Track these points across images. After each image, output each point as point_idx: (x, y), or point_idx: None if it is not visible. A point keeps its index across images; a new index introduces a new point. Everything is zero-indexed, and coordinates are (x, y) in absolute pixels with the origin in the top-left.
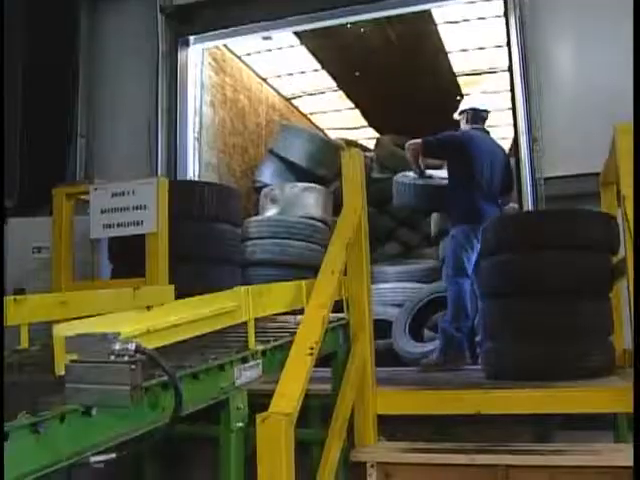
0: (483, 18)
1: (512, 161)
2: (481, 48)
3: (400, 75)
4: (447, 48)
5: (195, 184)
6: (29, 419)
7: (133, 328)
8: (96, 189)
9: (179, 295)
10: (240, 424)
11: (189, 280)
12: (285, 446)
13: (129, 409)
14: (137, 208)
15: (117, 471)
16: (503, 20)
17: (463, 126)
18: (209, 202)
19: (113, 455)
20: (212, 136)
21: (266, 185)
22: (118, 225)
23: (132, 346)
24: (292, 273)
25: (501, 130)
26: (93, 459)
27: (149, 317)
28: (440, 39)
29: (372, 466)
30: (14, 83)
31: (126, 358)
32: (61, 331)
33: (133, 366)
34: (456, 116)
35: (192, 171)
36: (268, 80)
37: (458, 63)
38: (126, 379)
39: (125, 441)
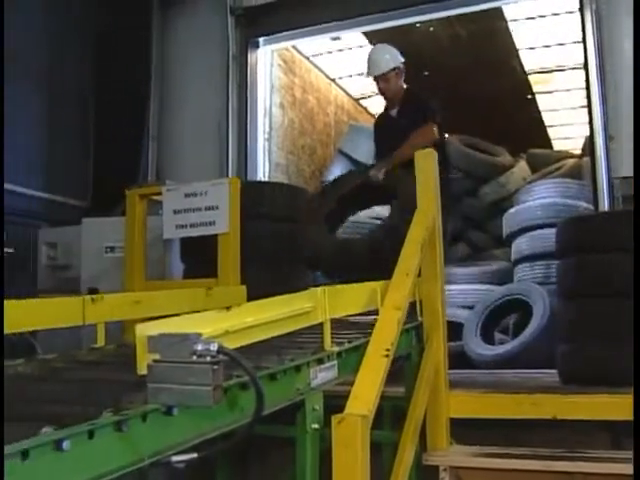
0: (556, 14)
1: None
2: (554, 45)
3: (469, 74)
4: (518, 46)
5: (266, 184)
6: (113, 417)
7: (213, 328)
8: (169, 190)
9: (250, 296)
10: (316, 425)
11: (260, 280)
12: (361, 448)
13: (210, 409)
14: (209, 209)
15: (188, 471)
16: (576, 16)
17: (396, 85)
18: (279, 203)
19: (194, 455)
20: (281, 137)
21: None
22: (191, 226)
23: (214, 347)
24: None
25: (573, 128)
26: (175, 459)
27: (228, 318)
28: (511, 36)
29: (444, 470)
30: (87, 86)
31: (208, 359)
32: (143, 330)
33: (215, 366)
34: (375, 74)
35: (262, 172)
36: (337, 80)
37: (529, 61)
38: (208, 379)
39: (204, 441)
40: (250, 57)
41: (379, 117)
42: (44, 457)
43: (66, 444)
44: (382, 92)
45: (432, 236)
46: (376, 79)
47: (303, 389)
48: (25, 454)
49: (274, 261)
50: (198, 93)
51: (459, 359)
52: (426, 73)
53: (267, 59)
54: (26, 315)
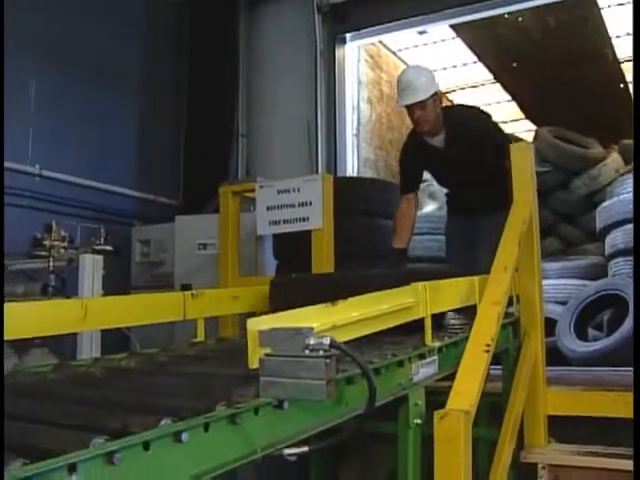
0: None
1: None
2: None
3: (560, 64)
4: (611, 33)
5: (359, 180)
6: (227, 410)
7: (321, 322)
8: (262, 187)
9: None
10: (418, 421)
11: None
12: (464, 444)
13: (322, 403)
14: (303, 205)
15: (281, 462)
16: None
17: (434, 113)
18: (373, 198)
19: (306, 448)
20: (369, 132)
21: (424, 181)
22: (284, 222)
23: (327, 340)
24: None
25: None
26: (287, 451)
27: (334, 312)
28: (603, 23)
29: (543, 468)
30: (179, 86)
31: (321, 352)
32: (254, 325)
33: (328, 360)
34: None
35: (351, 167)
36: None
37: (623, 48)
38: (321, 373)
39: (312, 435)
40: (337, 53)
41: (415, 146)
42: (164, 448)
43: (184, 436)
44: (418, 122)
45: (529, 230)
46: (410, 107)
47: (405, 384)
48: (146, 445)
49: (368, 257)
50: (286, 90)
51: (552, 355)
52: (514, 65)
53: (354, 55)
54: (128, 310)
